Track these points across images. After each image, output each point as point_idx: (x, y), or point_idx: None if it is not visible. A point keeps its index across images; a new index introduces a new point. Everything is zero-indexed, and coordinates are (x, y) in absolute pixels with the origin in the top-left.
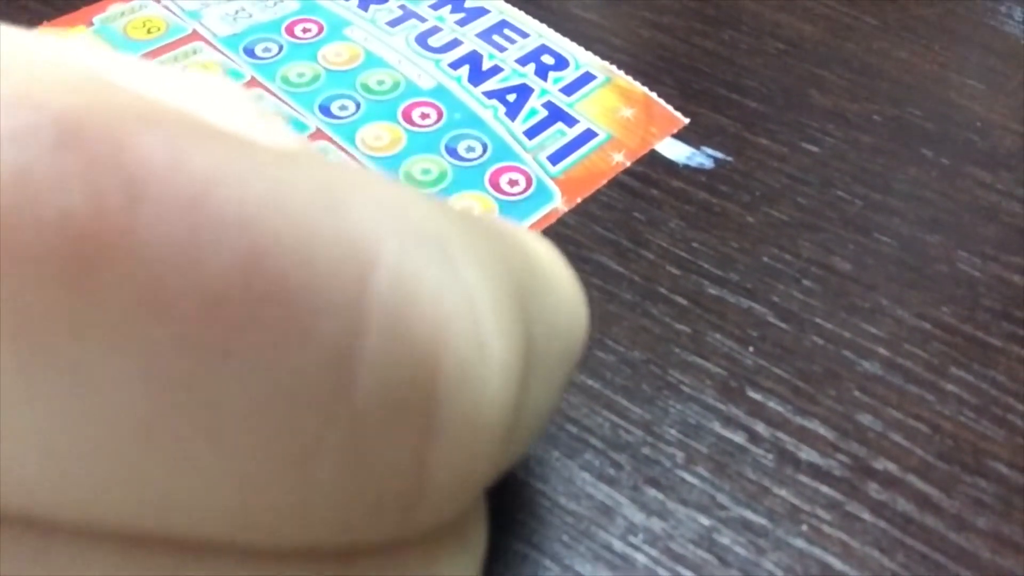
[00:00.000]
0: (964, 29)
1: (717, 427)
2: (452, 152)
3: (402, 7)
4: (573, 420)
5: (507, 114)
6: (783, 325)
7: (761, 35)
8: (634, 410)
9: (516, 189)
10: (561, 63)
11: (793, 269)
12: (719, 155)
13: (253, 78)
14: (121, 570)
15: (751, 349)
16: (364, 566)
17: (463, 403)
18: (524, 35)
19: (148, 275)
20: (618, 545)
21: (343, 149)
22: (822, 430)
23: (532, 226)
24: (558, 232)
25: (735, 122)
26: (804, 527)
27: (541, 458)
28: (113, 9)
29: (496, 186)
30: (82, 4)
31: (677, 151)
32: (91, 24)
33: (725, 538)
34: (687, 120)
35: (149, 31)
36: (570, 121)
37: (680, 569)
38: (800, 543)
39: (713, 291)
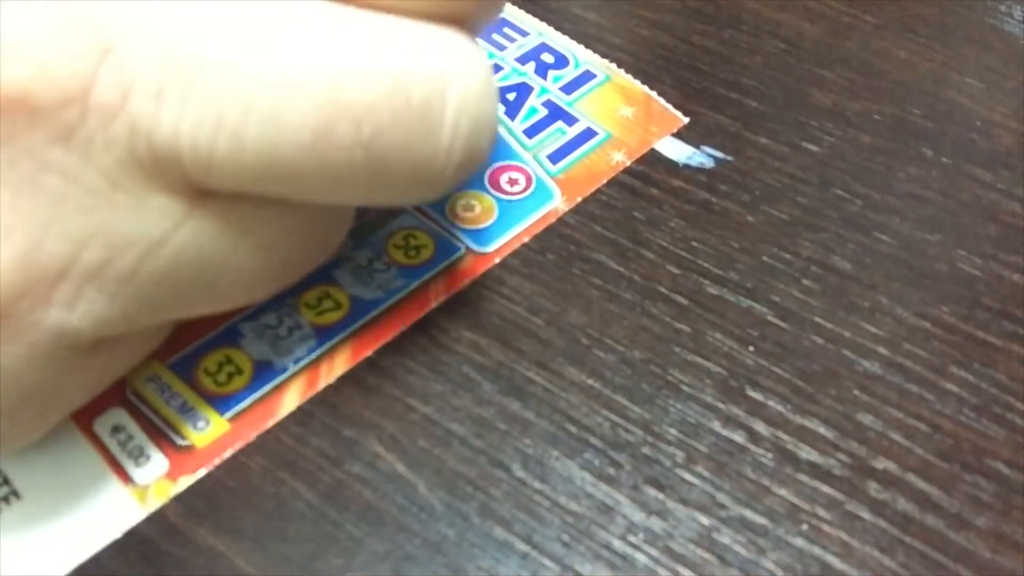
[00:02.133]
0: (964, 28)
1: (717, 426)
2: None
3: None
4: (573, 419)
5: (507, 113)
6: (783, 324)
7: (761, 34)
8: (634, 409)
9: (516, 188)
10: (561, 62)
11: (793, 268)
12: (719, 154)
13: None
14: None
15: (751, 348)
16: None
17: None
18: (524, 33)
19: None
20: (618, 544)
21: None
22: (822, 429)
23: (532, 225)
24: (558, 232)
25: (735, 121)
26: (804, 526)
27: (540, 458)
28: None
29: (496, 185)
30: None
31: (677, 150)
32: None
33: (725, 537)
34: (687, 119)
35: None
36: (570, 120)
37: (680, 568)
38: (800, 542)
39: (713, 290)
